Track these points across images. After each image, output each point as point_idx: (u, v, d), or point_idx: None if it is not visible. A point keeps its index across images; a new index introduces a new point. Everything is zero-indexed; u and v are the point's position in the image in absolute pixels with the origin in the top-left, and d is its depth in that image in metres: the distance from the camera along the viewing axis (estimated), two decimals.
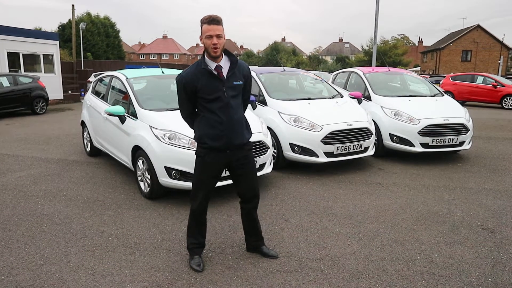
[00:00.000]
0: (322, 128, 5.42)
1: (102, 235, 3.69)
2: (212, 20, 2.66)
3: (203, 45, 2.73)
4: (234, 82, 2.82)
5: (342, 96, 6.65)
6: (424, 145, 6.05)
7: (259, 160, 4.74)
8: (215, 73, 2.77)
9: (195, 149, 3.03)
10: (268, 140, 4.93)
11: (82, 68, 23.86)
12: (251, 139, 4.59)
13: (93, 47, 40.34)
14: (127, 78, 5.44)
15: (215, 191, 4.37)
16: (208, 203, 3.10)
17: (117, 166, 6.07)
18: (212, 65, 2.79)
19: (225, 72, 2.80)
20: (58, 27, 40.67)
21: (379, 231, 3.76)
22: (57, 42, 16.69)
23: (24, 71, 15.00)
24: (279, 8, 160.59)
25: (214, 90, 2.77)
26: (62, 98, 17.26)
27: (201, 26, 2.70)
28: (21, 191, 4.96)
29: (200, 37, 2.74)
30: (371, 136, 5.79)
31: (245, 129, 2.95)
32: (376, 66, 17.78)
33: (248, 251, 3.30)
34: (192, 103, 2.89)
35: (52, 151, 7.27)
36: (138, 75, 5.64)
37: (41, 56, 16.01)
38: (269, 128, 5.77)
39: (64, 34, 36.85)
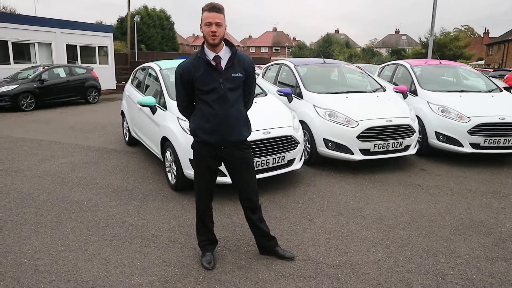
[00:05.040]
0: (358, 124, 5.08)
1: (123, 225, 3.72)
2: (213, 8, 2.54)
3: (202, 33, 2.61)
4: (233, 74, 2.67)
5: (384, 90, 6.22)
6: (474, 145, 5.48)
7: (287, 156, 4.54)
8: (213, 63, 2.64)
9: None
10: (299, 135, 4.70)
11: (136, 60, 24.88)
12: (282, 133, 4.48)
13: (148, 39, 41.95)
14: (160, 68, 5.46)
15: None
16: (213, 198, 3.01)
17: (151, 156, 6.16)
18: (210, 55, 2.66)
19: (224, 63, 2.66)
20: (117, 20, 42.75)
21: (410, 238, 3.42)
22: (111, 35, 17.47)
23: (81, 63, 15.87)
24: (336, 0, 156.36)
25: (210, 81, 2.64)
26: (115, 88, 18.07)
27: (202, 13, 2.58)
28: (59, 177, 5.18)
29: (200, 25, 2.62)
30: (413, 133, 5.34)
31: (243, 126, 2.80)
32: (433, 59, 16.58)
33: (261, 254, 3.13)
34: (188, 95, 2.78)
35: (95, 139, 7.58)
36: (172, 66, 5.64)
37: (97, 48, 16.86)
38: (303, 122, 5.55)
39: (122, 27, 38.66)
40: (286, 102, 6.09)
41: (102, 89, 14.49)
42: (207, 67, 2.65)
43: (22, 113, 11.16)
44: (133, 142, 6.80)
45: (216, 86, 2.65)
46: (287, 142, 4.52)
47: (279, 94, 6.15)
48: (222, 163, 2.92)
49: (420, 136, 5.98)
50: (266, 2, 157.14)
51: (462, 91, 6.33)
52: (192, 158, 4.17)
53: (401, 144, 5.25)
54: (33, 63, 14.26)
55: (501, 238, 3.44)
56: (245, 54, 2.81)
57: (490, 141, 5.45)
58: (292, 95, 6.10)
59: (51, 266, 3.01)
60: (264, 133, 4.29)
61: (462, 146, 5.53)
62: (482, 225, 3.72)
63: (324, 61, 6.86)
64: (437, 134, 5.76)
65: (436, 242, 3.36)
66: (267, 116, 4.67)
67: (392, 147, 5.21)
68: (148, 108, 5.14)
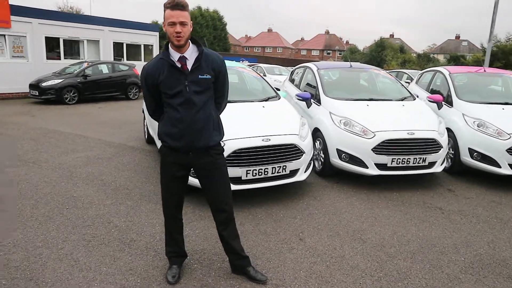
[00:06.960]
0: (374, 135, 4.62)
1: (107, 226, 3.62)
2: (176, 5, 2.29)
3: (166, 32, 2.38)
4: (200, 76, 2.43)
5: (414, 99, 5.66)
6: None
7: (289, 166, 4.21)
8: (178, 65, 2.41)
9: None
10: (305, 144, 4.35)
11: None
12: (284, 141, 4.15)
13: (200, 39, 43.08)
14: None
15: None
16: (182, 209, 2.78)
17: None
18: (175, 56, 2.42)
19: (190, 64, 2.42)
20: None
21: (409, 272, 2.97)
22: (157, 33, 17.95)
23: (127, 60, 16.45)
24: (392, 3, 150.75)
25: (175, 84, 2.41)
26: None
27: (164, 11, 2.35)
28: (69, 171, 5.24)
29: (163, 23, 2.40)
30: (439, 149, 4.76)
31: (213, 130, 2.54)
32: (496, 67, 15.16)
33: (233, 273, 2.86)
34: (155, 98, 2.57)
35: (119, 135, 7.68)
36: None
37: (142, 46, 17.40)
38: (318, 129, 5.19)
39: None
40: (305, 108, 5.75)
41: None
42: (171, 69, 2.43)
43: (64, 106, 11.72)
44: (152, 140, 6.79)
45: (182, 89, 2.42)
46: (290, 151, 4.19)
47: (297, 99, 5.82)
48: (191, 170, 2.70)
49: (452, 152, 5.36)
50: (320, 5, 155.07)
51: (506, 103, 5.58)
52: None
53: (424, 160, 4.70)
54: (82, 59, 15.00)
55: None
56: (214, 53, 2.56)
57: None
58: (311, 100, 5.74)
59: (21, 262, 2.96)
60: (263, 140, 4.01)
61: (500, 167, 4.84)
62: (504, 265, 3.15)
63: (351, 65, 6.41)
64: (471, 151, 5.10)
65: (440, 280, 2.88)
66: (271, 122, 4.39)
67: (414, 163, 4.68)
68: None
